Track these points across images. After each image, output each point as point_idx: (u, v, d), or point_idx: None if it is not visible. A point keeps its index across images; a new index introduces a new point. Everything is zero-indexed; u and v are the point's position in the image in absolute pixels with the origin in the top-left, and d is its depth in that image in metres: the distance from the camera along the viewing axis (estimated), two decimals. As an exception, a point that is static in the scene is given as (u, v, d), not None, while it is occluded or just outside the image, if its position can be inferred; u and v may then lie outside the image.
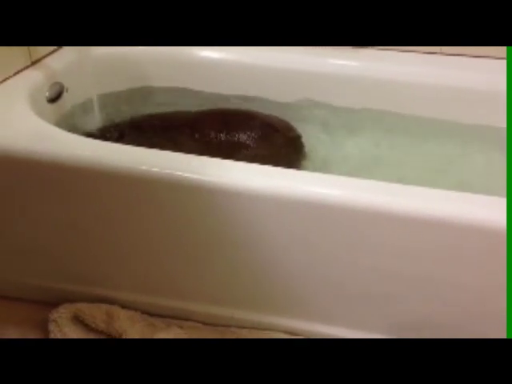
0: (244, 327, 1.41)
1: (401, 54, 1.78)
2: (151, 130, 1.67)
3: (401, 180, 1.29)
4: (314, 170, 1.60)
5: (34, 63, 1.63)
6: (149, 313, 1.43)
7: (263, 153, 1.63)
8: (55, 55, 1.69)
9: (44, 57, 1.66)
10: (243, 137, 1.66)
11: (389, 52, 1.79)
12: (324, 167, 1.67)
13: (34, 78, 1.58)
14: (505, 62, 1.63)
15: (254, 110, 1.75)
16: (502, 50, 1.66)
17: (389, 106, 1.76)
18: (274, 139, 1.68)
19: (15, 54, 1.57)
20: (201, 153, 1.32)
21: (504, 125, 1.60)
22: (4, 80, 1.55)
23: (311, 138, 1.74)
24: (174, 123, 1.71)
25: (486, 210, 1.19)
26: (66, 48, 1.71)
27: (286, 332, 1.38)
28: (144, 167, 1.28)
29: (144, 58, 1.83)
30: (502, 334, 1.03)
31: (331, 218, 1.24)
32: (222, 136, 1.66)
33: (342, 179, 1.27)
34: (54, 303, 1.43)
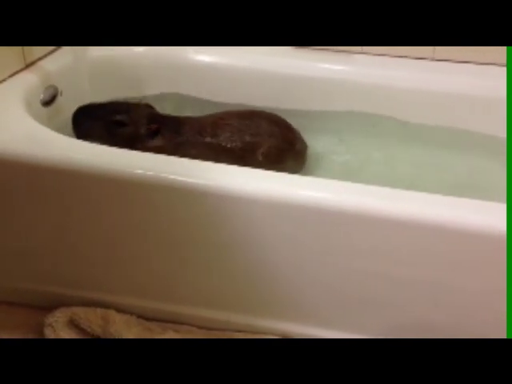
0: (240, 331, 1.40)
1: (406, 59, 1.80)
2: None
3: (396, 184, 1.29)
4: (310, 174, 1.60)
5: (28, 66, 1.62)
6: (144, 317, 1.42)
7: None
8: (49, 58, 1.68)
9: (38, 59, 1.65)
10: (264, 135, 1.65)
11: (384, 58, 1.81)
12: (319, 171, 1.67)
13: (29, 80, 1.58)
14: (505, 69, 1.64)
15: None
16: (502, 57, 1.67)
17: (382, 111, 1.77)
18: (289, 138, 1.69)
19: (9, 57, 1.56)
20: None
21: (504, 132, 1.60)
22: (-2, 83, 1.54)
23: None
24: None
25: (486, 216, 1.19)
26: (60, 51, 1.71)
27: (281, 335, 1.38)
28: (139, 171, 1.28)
29: (140, 61, 1.83)
30: (501, 335, 1.03)
31: (326, 221, 1.24)
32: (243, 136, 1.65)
33: (337, 183, 1.27)
34: (49, 308, 1.42)
